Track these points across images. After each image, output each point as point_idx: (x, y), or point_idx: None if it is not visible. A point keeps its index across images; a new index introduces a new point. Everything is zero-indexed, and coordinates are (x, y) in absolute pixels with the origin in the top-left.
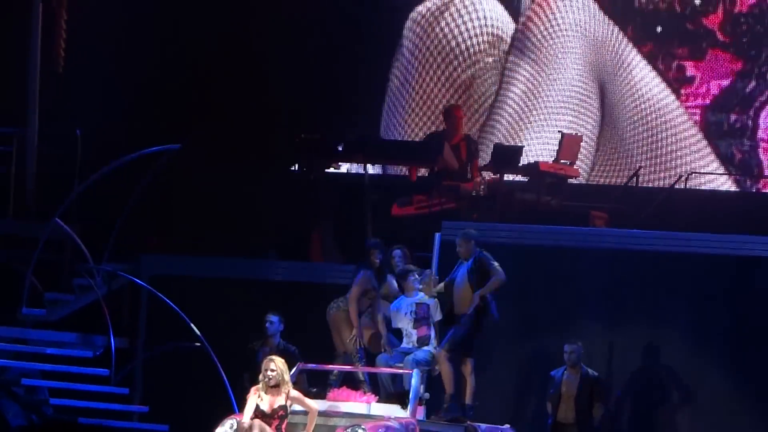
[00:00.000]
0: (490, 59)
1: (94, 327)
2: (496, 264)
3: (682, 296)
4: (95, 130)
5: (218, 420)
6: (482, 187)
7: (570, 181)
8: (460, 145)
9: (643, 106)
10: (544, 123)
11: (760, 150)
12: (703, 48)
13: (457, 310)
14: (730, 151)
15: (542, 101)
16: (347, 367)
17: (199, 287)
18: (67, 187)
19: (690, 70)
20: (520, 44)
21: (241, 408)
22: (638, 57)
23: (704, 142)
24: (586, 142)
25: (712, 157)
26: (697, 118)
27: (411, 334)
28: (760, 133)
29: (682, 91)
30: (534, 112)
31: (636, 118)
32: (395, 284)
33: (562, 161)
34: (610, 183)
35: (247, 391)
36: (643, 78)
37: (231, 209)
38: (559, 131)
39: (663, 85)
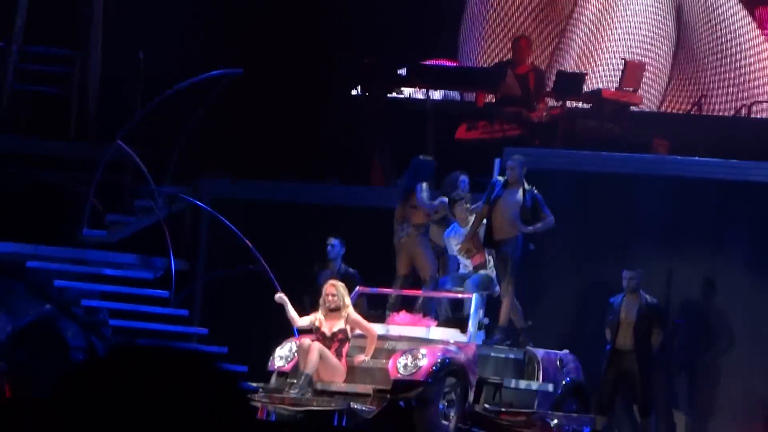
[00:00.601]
0: None
1: (155, 249)
2: (548, 209)
3: (744, 225)
4: (158, 53)
5: (278, 343)
6: (545, 113)
7: (633, 108)
8: (528, 75)
9: (719, 29)
10: (617, 48)
11: None
12: None
13: (499, 236)
14: None
15: (616, 23)
16: (407, 291)
17: (260, 211)
18: (128, 110)
19: None
20: None
21: (300, 331)
22: None
23: None
24: (658, 68)
25: None
26: None
27: (467, 265)
28: None
29: (757, 14)
30: (607, 36)
31: (711, 41)
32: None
33: (625, 88)
34: (683, 110)
35: (308, 314)
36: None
37: (292, 133)
38: (622, 58)
39: (741, 9)
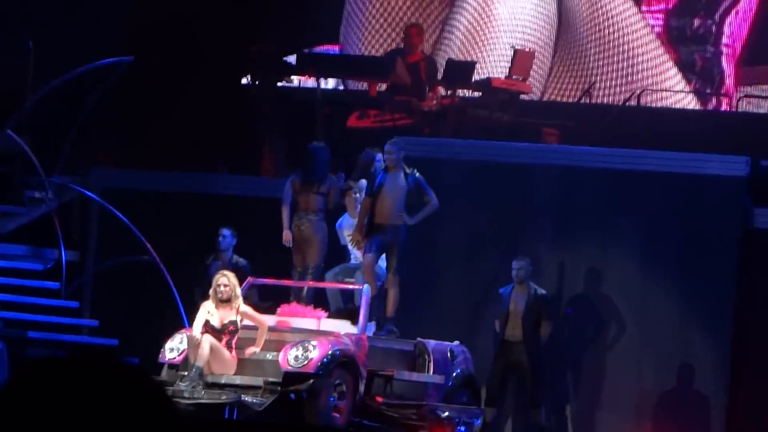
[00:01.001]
0: None
1: (45, 240)
2: (431, 192)
3: (633, 215)
4: (47, 42)
5: (168, 334)
6: (435, 102)
7: (522, 96)
8: (419, 64)
9: (601, 14)
10: (500, 33)
11: (723, 58)
12: None
13: (381, 220)
14: (691, 59)
15: (499, 9)
16: (298, 283)
17: (150, 201)
18: (18, 99)
19: None
20: None
21: (191, 323)
22: None
23: (665, 56)
24: (541, 55)
25: (672, 68)
26: (660, 23)
27: (357, 256)
28: (724, 40)
29: None
30: (490, 23)
31: (594, 27)
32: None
33: (514, 77)
34: (566, 99)
35: (198, 306)
36: None
37: (182, 123)
38: (511, 47)
39: None
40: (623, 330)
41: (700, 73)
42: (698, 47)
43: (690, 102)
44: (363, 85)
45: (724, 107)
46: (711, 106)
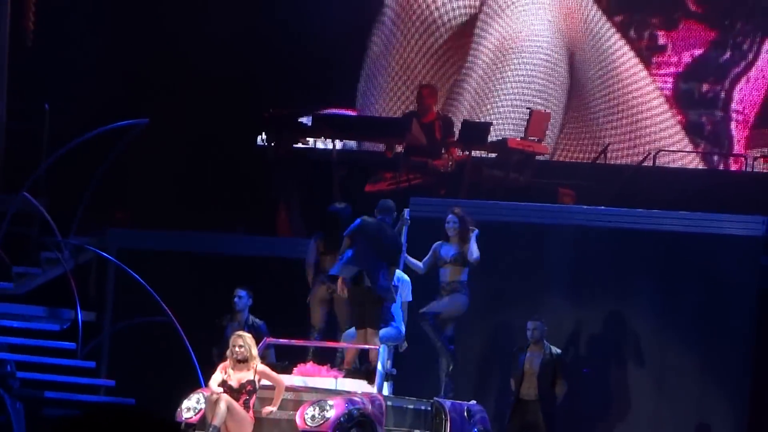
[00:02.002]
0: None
1: (61, 300)
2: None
3: (649, 274)
4: (63, 105)
5: (185, 394)
6: (450, 163)
7: (537, 157)
8: (434, 124)
9: (611, 76)
10: (510, 95)
11: (732, 123)
12: (675, 18)
13: None
14: (700, 122)
15: (509, 70)
16: (314, 343)
17: (167, 261)
18: (34, 161)
19: (662, 39)
20: (488, 9)
21: (207, 382)
22: (609, 27)
23: (673, 119)
24: (554, 114)
25: (680, 131)
26: (669, 86)
27: None
28: (734, 106)
29: (654, 60)
30: (499, 83)
31: (604, 89)
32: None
33: (530, 138)
34: (577, 159)
35: (215, 367)
36: (614, 48)
37: (198, 184)
38: (527, 108)
39: (633, 57)
40: (641, 388)
41: (708, 137)
42: (706, 111)
43: (699, 165)
44: (378, 146)
45: (733, 167)
46: (721, 167)
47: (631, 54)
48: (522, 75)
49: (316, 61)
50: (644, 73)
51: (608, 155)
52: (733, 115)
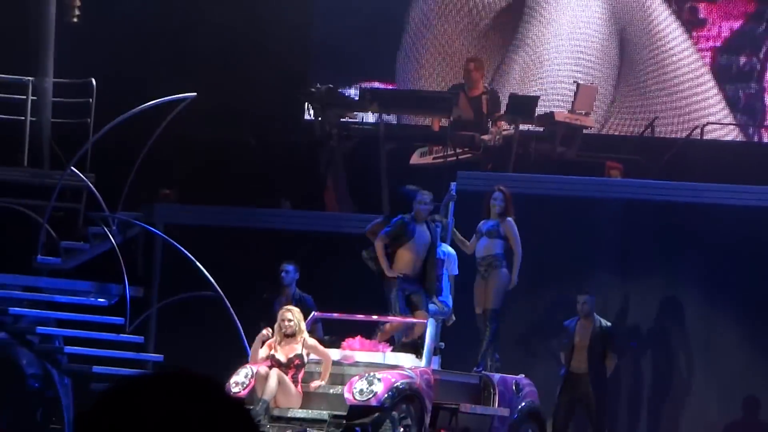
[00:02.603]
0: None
1: (109, 276)
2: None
3: (697, 247)
4: (111, 80)
5: (232, 369)
6: (498, 137)
7: (585, 131)
8: (481, 98)
9: (661, 51)
10: (559, 70)
11: (766, 94)
12: None
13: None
14: (736, 95)
15: (558, 46)
16: (361, 317)
17: (214, 237)
18: (82, 136)
19: (703, 12)
20: None
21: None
22: (658, 1)
23: (718, 94)
24: (602, 89)
25: (724, 105)
26: (708, 60)
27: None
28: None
29: (694, 34)
30: (548, 59)
31: (653, 64)
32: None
33: (577, 111)
34: (626, 132)
35: (257, 338)
36: (663, 23)
37: (245, 159)
38: (574, 81)
39: (681, 32)
40: (688, 362)
41: (744, 109)
42: (742, 84)
43: (739, 138)
44: (425, 120)
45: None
46: (756, 139)
47: (679, 29)
48: (571, 51)
49: (355, 35)
50: (691, 47)
51: (656, 129)
52: (767, 86)
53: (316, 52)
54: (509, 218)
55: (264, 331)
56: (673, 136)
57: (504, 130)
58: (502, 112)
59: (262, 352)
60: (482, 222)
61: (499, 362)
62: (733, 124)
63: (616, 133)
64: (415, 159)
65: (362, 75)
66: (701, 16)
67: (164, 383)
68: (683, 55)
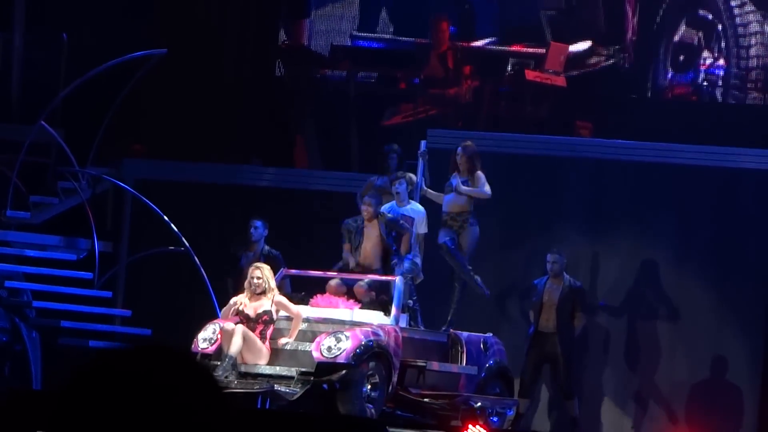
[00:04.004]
0: None
1: (78, 230)
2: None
3: (667, 207)
4: (81, 35)
5: (201, 325)
6: (468, 95)
7: (555, 90)
8: (447, 54)
9: None
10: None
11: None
12: None
13: None
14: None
15: None
16: (329, 273)
17: (183, 192)
18: (52, 91)
19: None
20: None
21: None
22: None
23: None
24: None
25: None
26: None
27: None
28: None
29: None
30: None
31: None
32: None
33: (548, 70)
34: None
35: (230, 297)
36: None
37: (215, 115)
38: (546, 41)
39: None
40: (656, 322)
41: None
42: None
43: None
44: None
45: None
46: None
47: None
48: None
49: None
50: None
51: None
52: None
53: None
54: (479, 172)
55: (237, 298)
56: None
57: (473, 88)
58: (469, 67)
59: (230, 307)
60: (453, 176)
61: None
62: (701, 85)
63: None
64: (387, 121)
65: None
66: None
67: (140, 357)
68: None
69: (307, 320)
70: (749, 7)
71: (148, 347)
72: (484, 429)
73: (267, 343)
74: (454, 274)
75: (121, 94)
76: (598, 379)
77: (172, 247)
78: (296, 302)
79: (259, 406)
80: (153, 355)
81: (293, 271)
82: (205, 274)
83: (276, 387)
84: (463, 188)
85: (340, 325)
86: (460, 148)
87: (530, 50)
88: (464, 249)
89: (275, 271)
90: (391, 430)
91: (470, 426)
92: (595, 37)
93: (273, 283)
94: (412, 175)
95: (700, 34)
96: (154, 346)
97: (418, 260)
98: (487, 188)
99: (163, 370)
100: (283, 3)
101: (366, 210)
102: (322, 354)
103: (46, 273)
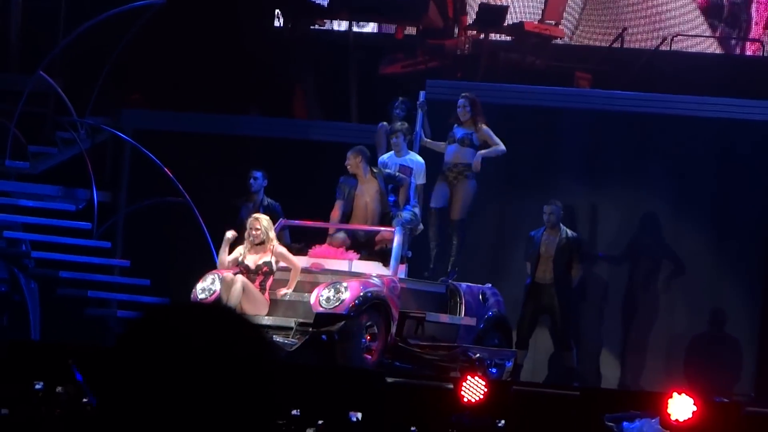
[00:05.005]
0: None
1: (77, 180)
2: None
3: (665, 158)
4: None
5: (200, 275)
6: (467, 45)
7: (554, 41)
8: (447, 2)
9: None
10: None
11: (753, 4)
12: None
13: None
14: (720, 4)
15: None
16: (328, 225)
17: (182, 142)
18: (51, 40)
19: None
20: None
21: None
22: None
23: (693, 3)
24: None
25: (699, 15)
26: None
27: None
28: None
29: None
30: None
31: None
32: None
33: (547, 21)
34: (596, 43)
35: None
36: None
37: (214, 65)
38: None
39: None
40: (654, 273)
41: (727, 19)
42: None
43: (716, 50)
44: (390, 28)
45: (749, 53)
46: (738, 51)
47: None
48: None
49: None
50: None
51: (628, 39)
52: None
53: None
54: (484, 126)
55: (228, 235)
56: (645, 46)
57: (472, 36)
58: (466, 14)
59: (231, 257)
60: (456, 127)
61: (456, 274)
62: (700, 36)
63: (587, 42)
64: (383, 69)
65: None
66: None
67: (190, 314)
68: None
69: (305, 271)
70: None
71: (195, 305)
72: (483, 380)
73: (266, 294)
74: (451, 225)
75: (120, 44)
76: (597, 330)
77: (171, 198)
78: (295, 253)
79: None
80: (202, 312)
81: (292, 222)
82: (204, 225)
83: (275, 338)
84: (483, 152)
85: (339, 275)
86: (462, 100)
87: None
88: (459, 203)
89: (275, 221)
90: (389, 380)
91: (469, 377)
92: None
93: (272, 234)
94: (405, 125)
95: None
96: (200, 304)
97: (418, 210)
98: (502, 145)
99: (215, 327)
100: None
101: (349, 164)
102: (320, 305)
103: (44, 223)
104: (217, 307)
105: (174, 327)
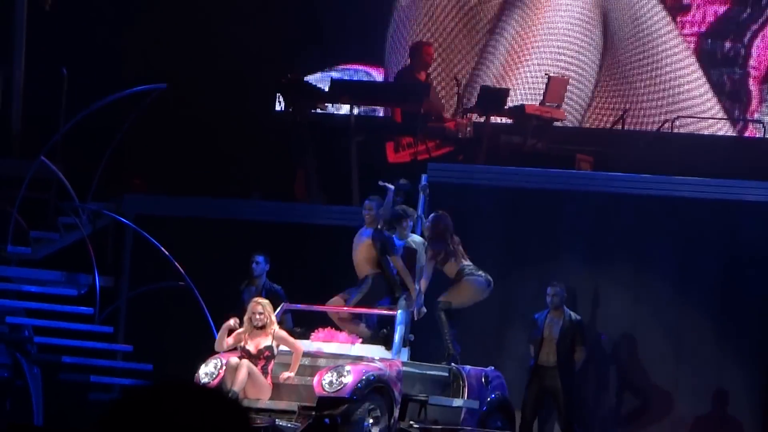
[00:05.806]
0: None
1: (79, 265)
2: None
3: (668, 240)
4: (81, 69)
5: (202, 360)
6: (468, 129)
7: (556, 123)
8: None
9: (644, 33)
10: (540, 61)
11: (751, 80)
12: None
13: None
14: (721, 80)
15: (539, 37)
16: (331, 308)
17: (184, 227)
18: (52, 126)
19: None
20: None
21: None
22: None
23: (702, 79)
24: (583, 80)
25: (708, 91)
26: (692, 46)
27: None
28: (752, 62)
29: (678, 19)
30: (529, 50)
31: (637, 51)
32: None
33: (548, 104)
34: (604, 125)
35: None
36: (645, 5)
37: (216, 149)
38: (546, 74)
39: (663, 14)
40: (658, 355)
41: (729, 94)
42: (727, 69)
43: (721, 128)
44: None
45: (752, 131)
46: (739, 129)
47: (664, 14)
48: (552, 40)
49: (342, 16)
50: (676, 32)
51: (635, 121)
52: (751, 72)
53: (297, 36)
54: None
55: (231, 321)
56: (651, 128)
57: (474, 122)
58: (471, 104)
59: (231, 342)
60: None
61: (459, 354)
62: (698, 117)
63: (597, 122)
64: (392, 156)
65: (351, 59)
66: (685, 1)
67: (172, 394)
68: (667, 39)
69: (308, 354)
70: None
71: (176, 384)
72: None
73: (269, 378)
74: (436, 304)
75: (121, 129)
76: (599, 412)
77: (174, 283)
78: (297, 337)
79: None
80: (181, 392)
81: (294, 306)
82: (206, 309)
83: (278, 422)
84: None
85: (342, 359)
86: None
87: None
88: (462, 292)
89: (276, 306)
90: None
91: None
92: None
93: (274, 318)
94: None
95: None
96: (181, 383)
97: (421, 297)
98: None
99: (193, 407)
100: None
101: (368, 214)
102: (323, 388)
103: (47, 308)
104: (204, 389)
105: (158, 407)
